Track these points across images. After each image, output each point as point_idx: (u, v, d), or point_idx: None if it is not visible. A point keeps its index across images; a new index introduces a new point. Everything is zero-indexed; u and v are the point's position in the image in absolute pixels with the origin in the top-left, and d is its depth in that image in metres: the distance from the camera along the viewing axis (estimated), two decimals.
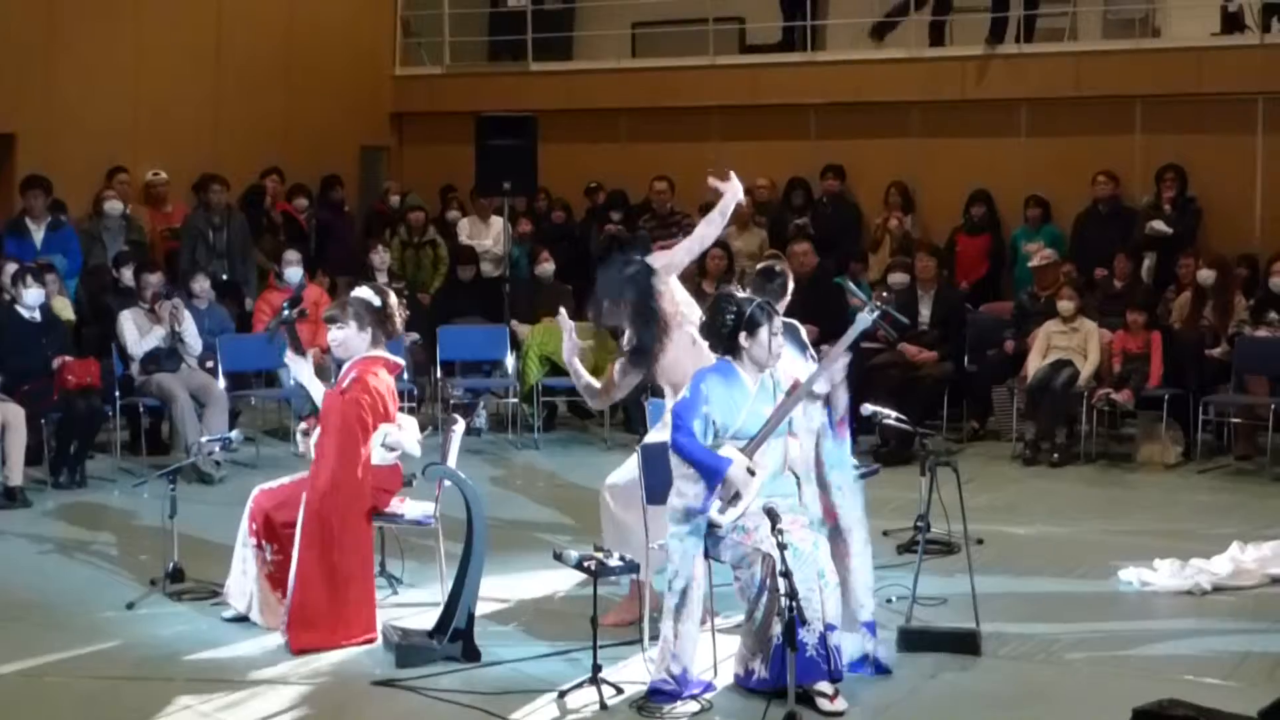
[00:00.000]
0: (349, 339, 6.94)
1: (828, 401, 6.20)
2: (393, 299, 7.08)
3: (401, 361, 7.18)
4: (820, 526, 6.14)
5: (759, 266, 7.84)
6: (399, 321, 7.07)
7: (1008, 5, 14.04)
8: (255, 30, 14.85)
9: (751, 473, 5.93)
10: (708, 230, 7.10)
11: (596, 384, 6.94)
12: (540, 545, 8.15)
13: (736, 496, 5.93)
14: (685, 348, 6.79)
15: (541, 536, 8.65)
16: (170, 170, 13.47)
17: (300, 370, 6.96)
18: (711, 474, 5.93)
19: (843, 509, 6.25)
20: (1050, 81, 13.75)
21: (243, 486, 8.12)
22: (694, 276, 11.81)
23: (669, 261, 6.95)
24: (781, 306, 6.87)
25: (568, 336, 6.94)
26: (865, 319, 6.36)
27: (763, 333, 6.06)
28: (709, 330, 6.31)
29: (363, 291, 7.08)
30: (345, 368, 6.97)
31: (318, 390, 6.87)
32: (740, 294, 6.35)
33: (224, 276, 12.67)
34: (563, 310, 7.11)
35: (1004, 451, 11.35)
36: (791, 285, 7.37)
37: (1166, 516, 9.35)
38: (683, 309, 6.93)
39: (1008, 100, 14.01)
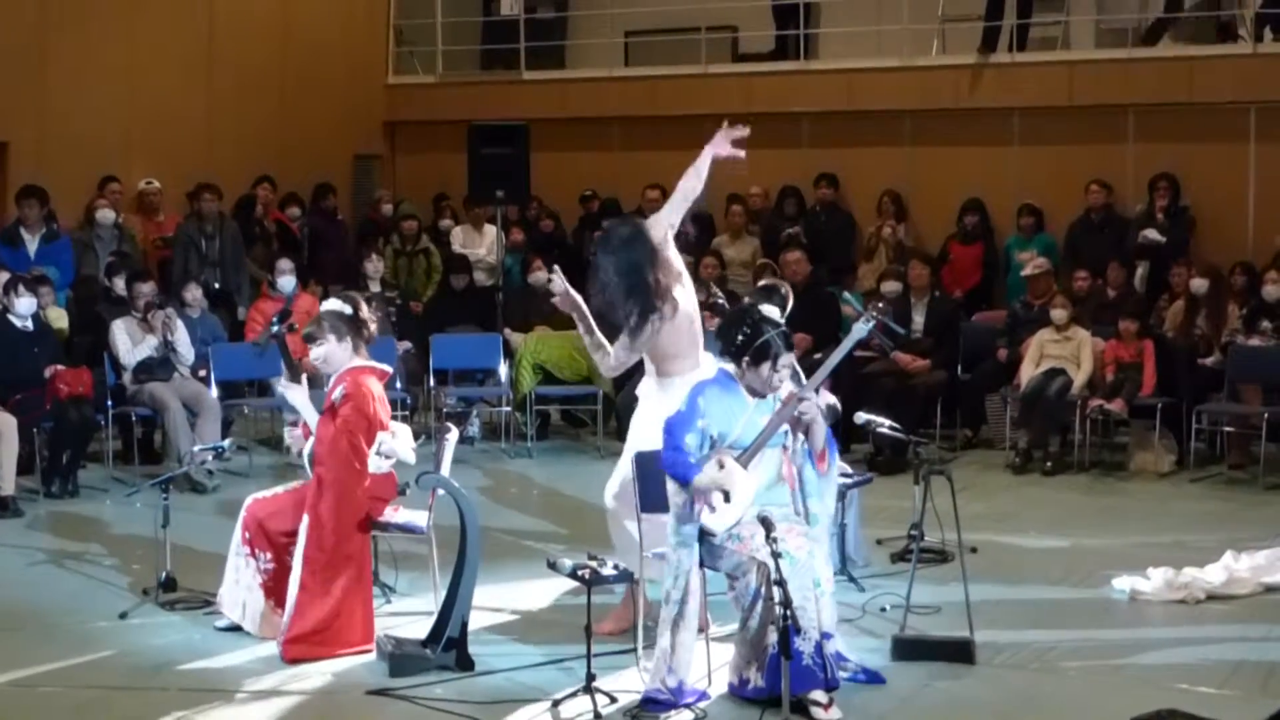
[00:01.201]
0: (330, 353, 6.91)
1: (807, 434, 6.09)
2: (364, 304, 7.05)
3: (389, 369, 7.15)
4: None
5: (761, 284, 7.80)
6: (374, 326, 7.04)
7: (1001, 14, 14.06)
8: (248, 39, 14.83)
9: (722, 465, 5.89)
10: (686, 184, 6.91)
11: (607, 345, 6.81)
12: (534, 554, 8.16)
13: (726, 497, 5.91)
14: (683, 324, 6.70)
15: (535, 545, 8.65)
16: (163, 179, 13.44)
17: (294, 396, 6.96)
18: (683, 486, 5.94)
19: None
20: (1043, 90, 13.75)
21: (236, 496, 8.10)
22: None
23: (661, 229, 6.80)
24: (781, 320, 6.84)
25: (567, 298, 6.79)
26: (861, 329, 6.36)
27: (765, 368, 6.03)
28: (721, 335, 6.28)
29: (332, 303, 7.03)
30: (333, 381, 6.93)
31: (312, 416, 6.88)
32: (764, 316, 6.24)
33: (216, 285, 12.64)
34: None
35: (997, 460, 11.34)
36: (791, 302, 7.34)
37: (1160, 525, 9.34)
38: (684, 278, 6.81)
39: (1001, 109, 14.02)
